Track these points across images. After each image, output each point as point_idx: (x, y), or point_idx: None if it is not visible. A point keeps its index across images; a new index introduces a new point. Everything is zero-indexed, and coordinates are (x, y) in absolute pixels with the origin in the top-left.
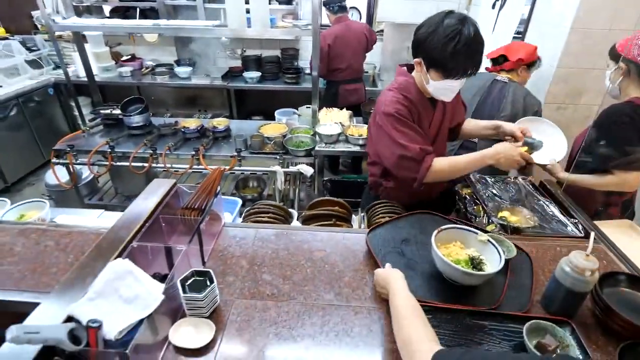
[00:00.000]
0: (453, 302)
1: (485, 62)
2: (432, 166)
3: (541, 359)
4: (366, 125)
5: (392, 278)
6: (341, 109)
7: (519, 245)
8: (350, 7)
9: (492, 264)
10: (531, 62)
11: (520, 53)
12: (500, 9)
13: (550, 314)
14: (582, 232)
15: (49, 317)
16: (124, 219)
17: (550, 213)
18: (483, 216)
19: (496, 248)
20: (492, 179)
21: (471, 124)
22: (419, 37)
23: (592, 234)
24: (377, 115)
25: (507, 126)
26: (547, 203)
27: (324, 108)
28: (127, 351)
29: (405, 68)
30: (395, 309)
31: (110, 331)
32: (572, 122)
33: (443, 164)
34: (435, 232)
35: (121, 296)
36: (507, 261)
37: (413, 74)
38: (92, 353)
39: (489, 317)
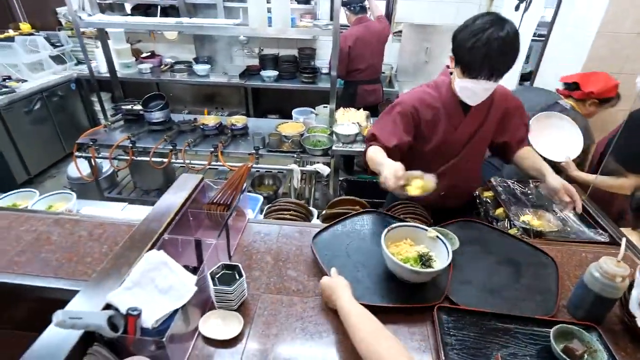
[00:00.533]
0: (406, 300)
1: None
2: (367, 151)
3: None
4: None
5: (339, 287)
6: (358, 109)
7: (543, 250)
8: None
9: (441, 259)
10: (604, 99)
11: (594, 85)
12: (524, 11)
13: (577, 319)
14: (607, 238)
15: (87, 305)
16: (155, 211)
17: (574, 218)
18: (505, 220)
19: (444, 243)
20: (515, 183)
21: (528, 156)
22: (454, 32)
23: (624, 240)
24: (518, 103)
25: (552, 182)
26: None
27: (341, 108)
28: (164, 339)
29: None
30: (350, 323)
31: (147, 320)
32: (596, 126)
33: (369, 152)
34: (385, 230)
35: (157, 286)
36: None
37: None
38: (129, 340)
39: (515, 321)
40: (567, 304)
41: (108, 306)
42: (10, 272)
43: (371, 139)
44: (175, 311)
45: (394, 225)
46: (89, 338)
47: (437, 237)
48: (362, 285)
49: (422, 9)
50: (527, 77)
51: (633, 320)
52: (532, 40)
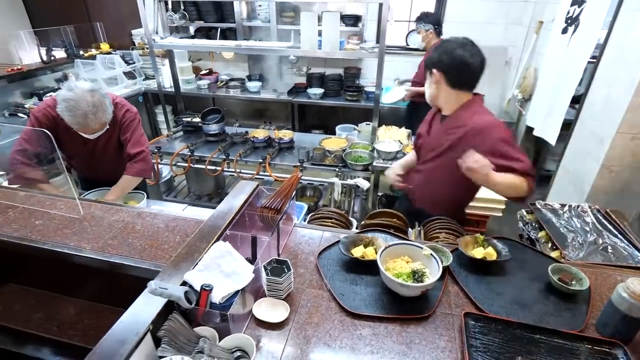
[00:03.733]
0: (400, 311)
1: None
2: None
3: None
4: None
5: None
6: None
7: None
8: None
9: (434, 275)
10: None
11: None
12: (572, 33)
13: (604, 337)
14: None
15: (167, 282)
16: (220, 210)
17: (613, 243)
18: (548, 242)
19: (436, 260)
20: (559, 206)
21: None
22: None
23: None
24: (494, 141)
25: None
26: (613, 233)
27: (383, 125)
28: (228, 313)
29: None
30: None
31: (215, 296)
32: None
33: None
34: (382, 247)
35: (222, 271)
36: (445, 268)
37: None
38: (200, 311)
39: (540, 331)
40: (596, 322)
41: (184, 283)
42: (106, 252)
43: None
44: (236, 293)
45: (391, 243)
46: (170, 307)
47: (431, 254)
48: (359, 297)
49: (470, 30)
50: (578, 99)
51: None
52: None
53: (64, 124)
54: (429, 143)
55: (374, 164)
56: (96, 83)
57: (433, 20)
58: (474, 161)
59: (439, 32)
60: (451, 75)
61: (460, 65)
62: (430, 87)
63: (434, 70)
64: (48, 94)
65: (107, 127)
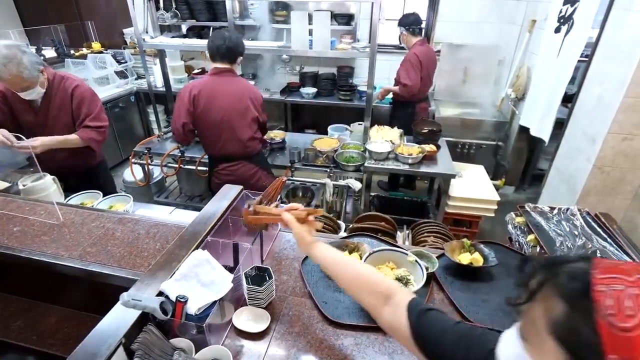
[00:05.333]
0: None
1: None
2: None
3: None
4: (416, 145)
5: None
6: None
7: None
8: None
9: (419, 282)
10: None
11: None
12: (566, 34)
13: None
14: None
15: (143, 291)
16: (201, 216)
17: (602, 247)
18: (536, 246)
19: (421, 267)
20: (548, 209)
21: None
22: None
23: None
24: None
25: None
26: (602, 237)
27: (375, 125)
28: (204, 325)
29: None
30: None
31: (191, 307)
32: None
33: None
34: (367, 253)
35: (200, 280)
36: (431, 275)
37: None
38: (176, 323)
39: None
40: None
41: (160, 293)
42: (84, 260)
43: None
44: (214, 303)
45: (376, 249)
46: (144, 318)
47: (416, 261)
48: (342, 305)
49: (462, 29)
50: (570, 98)
51: None
52: (579, 61)
53: (13, 94)
54: None
55: (366, 164)
56: (87, 82)
57: (407, 21)
58: None
59: (414, 32)
60: None
61: None
62: None
63: None
64: None
65: (41, 90)
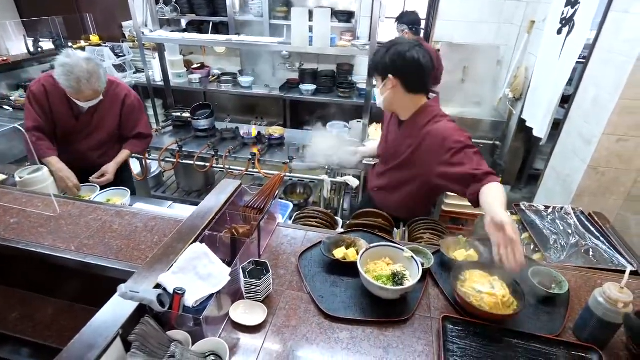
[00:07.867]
0: (379, 315)
1: None
2: None
3: None
4: None
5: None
6: None
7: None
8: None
9: (414, 277)
10: None
11: None
12: (567, 35)
13: (581, 341)
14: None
15: (141, 284)
16: (199, 210)
17: (595, 246)
18: (530, 244)
19: (417, 263)
20: (543, 208)
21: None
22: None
23: (629, 268)
24: (453, 142)
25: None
26: (595, 236)
27: (374, 123)
28: (201, 317)
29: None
30: None
31: (189, 299)
32: (635, 155)
33: None
34: (363, 249)
35: (198, 273)
36: (426, 271)
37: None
38: (173, 315)
39: (518, 336)
40: (574, 326)
41: (158, 286)
42: (81, 252)
43: None
44: (212, 295)
45: (373, 245)
46: (142, 311)
47: (412, 257)
48: (339, 299)
49: (461, 29)
50: (566, 99)
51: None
52: (577, 62)
53: (57, 96)
54: (388, 150)
55: (364, 161)
56: None
57: (409, 20)
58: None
59: (415, 32)
60: (408, 80)
61: (416, 68)
62: (384, 94)
63: (390, 76)
64: None
65: (101, 97)
